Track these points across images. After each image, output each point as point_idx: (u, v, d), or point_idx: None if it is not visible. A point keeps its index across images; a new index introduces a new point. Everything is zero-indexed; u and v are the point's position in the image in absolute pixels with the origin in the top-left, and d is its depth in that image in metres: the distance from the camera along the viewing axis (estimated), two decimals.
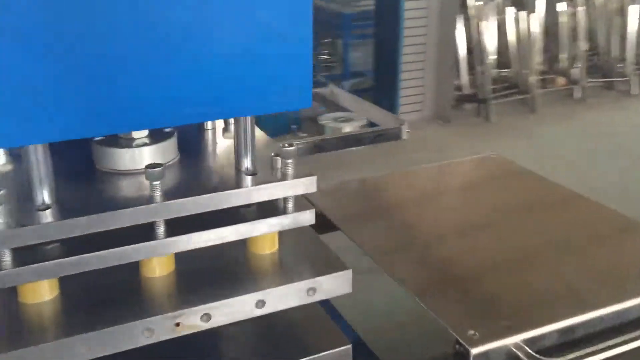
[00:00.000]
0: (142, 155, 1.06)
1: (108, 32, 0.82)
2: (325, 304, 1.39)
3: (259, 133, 1.32)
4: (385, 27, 5.91)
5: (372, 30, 6.26)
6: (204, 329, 0.96)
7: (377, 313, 2.58)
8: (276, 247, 1.10)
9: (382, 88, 6.10)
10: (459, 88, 6.70)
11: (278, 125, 5.95)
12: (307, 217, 1.06)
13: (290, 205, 1.06)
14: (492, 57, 6.75)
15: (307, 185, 1.05)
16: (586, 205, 1.57)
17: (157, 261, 1.01)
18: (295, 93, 0.94)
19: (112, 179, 1.04)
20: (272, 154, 1.08)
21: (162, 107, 0.88)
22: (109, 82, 0.84)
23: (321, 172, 4.42)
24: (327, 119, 5.95)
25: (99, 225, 0.92)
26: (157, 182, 0.95)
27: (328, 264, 1.07)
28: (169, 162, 1.10)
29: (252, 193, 1.01)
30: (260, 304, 0.99)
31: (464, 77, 6.68)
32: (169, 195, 0.97)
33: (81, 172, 1.07)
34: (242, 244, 1.10)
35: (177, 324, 0.94)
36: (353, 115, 6.09)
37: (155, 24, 0.84)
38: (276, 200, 1.06)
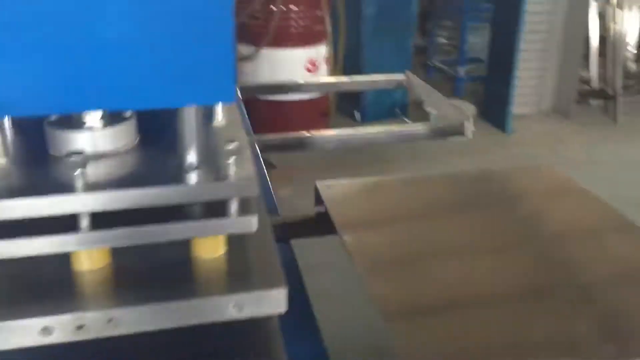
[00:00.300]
0: (86, 139, 1.00)
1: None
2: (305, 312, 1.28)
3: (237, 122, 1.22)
4: (506, 9, 5.50)
5: (492, 14, 5.87)
6: (112, 334, 0.89)
7: (362, 333, 2.40)
8: (220, 252, 1.00)
9: (497, 76, 5.71)
10: (586, 81, 6.13)
11: (382, 108, 5.79)
12: (248, 224, 0.95)
13: (232, 208, 0.95)
14: (631, 49, 6.10)
15: (245, 188, 0.93)
16: (634, 237, 1.30)
17: (85, 255, 0.95)
18: (214, 86, 0.83)
19: (57, 164, 0.99)
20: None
21: (61, 91, 0.80)
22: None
23: (404, 163, 4.24)
24: None
25: (13, 212, 0.87)
26: (78, 172, 0.88)
27: (263, 279, 0.95)
28: (118, 148, 1.03)
29: (181, 192, 0.92)
30: (176, 315, 0.90)
31: (594, 70, 6.09)
32: (97, 185, 0.91)
33: (34, 156, 1.03)
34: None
35: (80, 327, 0.87)
36: (461, 103, 5.79)
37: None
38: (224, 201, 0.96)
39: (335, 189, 1.53)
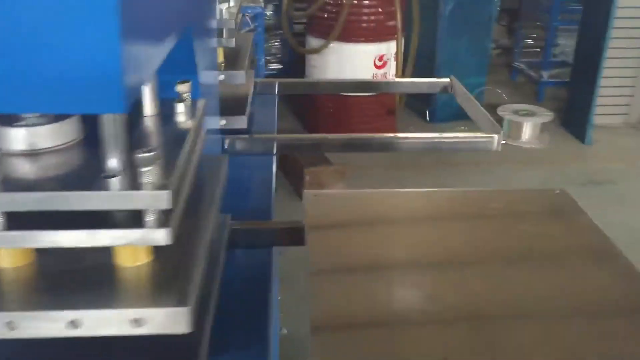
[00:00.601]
0: (18, 136, 0.99)
1: None
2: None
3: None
4: (595, 11, 5.14)
5: (581, 15, 5.50)
6: (10, 337, 0.88)
7: None
8: (140, 261, 0.97)
9: (580, 81, 5.36)
10: None
11: (453, 109, 5.58)
12: (160, 237, 0.91)
13: (148, 219, 0.92)
14: None
15: (154, 200, 0.89)
16: (616, 267, 1.16)
17: (4, 252, 0.95)
18: (97, 95, 0.77)
19: None
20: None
21: None
22: None
23: (466, 167, 4.07)
24: (506, 111, 5.43)
25: None
26: None
27: (169, 296, 0.91)
28: (52, 147, 1.02)
29: (90, 199, 0.89)
30: (73, 324, 0.88)
31: None
32: (11, 185, 0.90)
33: None
34: None
35: None
36: (538, 110, 5.49)
37: None
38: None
39: (321, 199, 1.46)
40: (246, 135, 2.04)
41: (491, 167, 4.65)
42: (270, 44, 6.47)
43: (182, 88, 1.20)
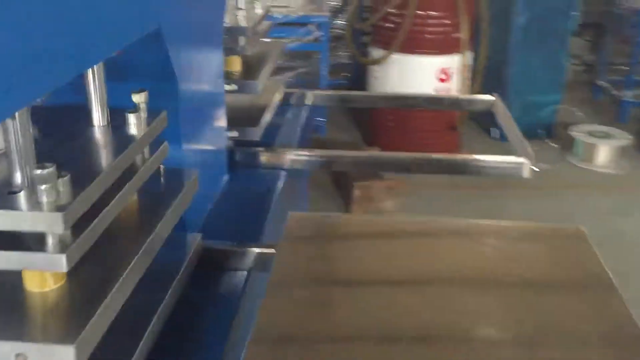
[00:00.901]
0: None
1: None
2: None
3: None
4: None
5: None
6: None
7: None
8: (47, 287, 0.89)
9: None
10: None
11: (524, 128, 5.26)
12: (56, 263, 0.83)
13: (49, 242, 0.83)
14: None
15: (47, 222, 0.81)
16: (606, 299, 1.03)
17: None
18: None
19: None
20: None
21: None
22: None
23: (529, 191, 3.76)
24: (580, 131, 5.06)
25: None
26: None
27: (52, 331, 0.82)
28: None
29: None
30: None
31: None
32: None
33: None
34: None
35: None
36: (615, 132, 5.09)
37: None
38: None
39: (305, 221, 1.35)
40: (260, 148, 1.94)
41: (557, 190, 4.34)
42: (339, 54, 6.38)
43: (137, 98, 1.11)
